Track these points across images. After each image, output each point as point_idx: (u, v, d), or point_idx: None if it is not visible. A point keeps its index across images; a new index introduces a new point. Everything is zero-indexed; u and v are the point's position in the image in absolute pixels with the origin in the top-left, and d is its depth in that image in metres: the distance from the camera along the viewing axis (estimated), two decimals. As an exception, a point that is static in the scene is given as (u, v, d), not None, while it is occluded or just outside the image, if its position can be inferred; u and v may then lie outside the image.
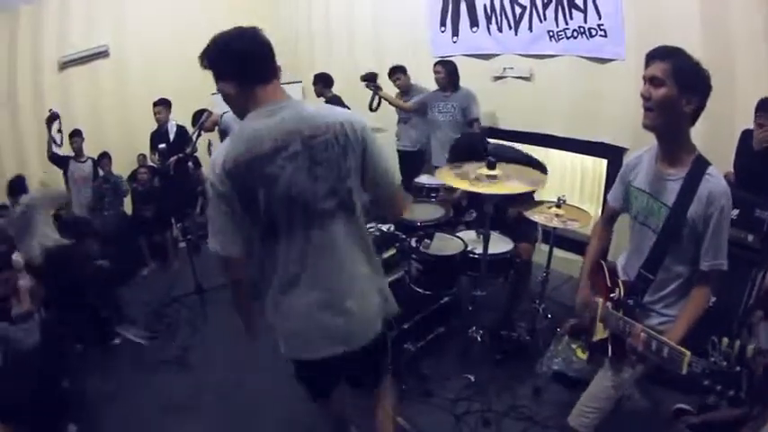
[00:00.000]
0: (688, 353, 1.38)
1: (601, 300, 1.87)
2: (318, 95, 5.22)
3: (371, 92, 4.66)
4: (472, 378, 2.88)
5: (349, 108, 3.74)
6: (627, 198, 1.86)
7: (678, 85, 1.49)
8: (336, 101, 4.98)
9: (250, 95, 1.51)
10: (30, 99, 5.46)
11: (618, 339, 1.73)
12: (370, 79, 4.63)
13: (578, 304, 1.98)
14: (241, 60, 1.49)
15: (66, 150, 5.04)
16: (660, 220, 1.67)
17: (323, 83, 5.24)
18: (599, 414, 1.85)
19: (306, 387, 1.94)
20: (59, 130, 4.92)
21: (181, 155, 4.60)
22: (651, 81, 1.52)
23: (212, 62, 1.52)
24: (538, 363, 2.97)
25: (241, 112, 1.55)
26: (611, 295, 1.84)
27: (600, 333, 1.85)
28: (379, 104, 4.72)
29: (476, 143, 3.29)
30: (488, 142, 3.40)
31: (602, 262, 2.01)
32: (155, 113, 4.93)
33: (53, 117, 4.86)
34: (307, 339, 1.69)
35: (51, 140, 4.85)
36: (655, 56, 1.54)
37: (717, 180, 1.57)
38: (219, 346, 3.55)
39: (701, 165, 1.59)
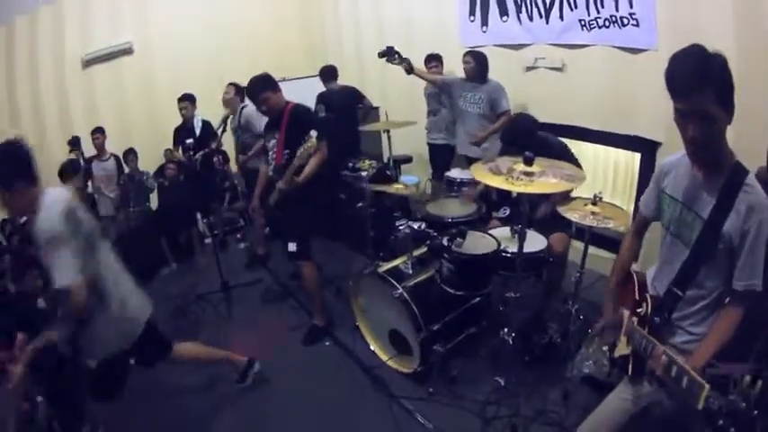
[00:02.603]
0: (707, 386, 1.24)
1: (627, 313, 1.77)
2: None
3: (397, 64, 4.43)
4: (501, 381, 2.81)
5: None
6: (659, 205, 1.72)
7: (724, 108, 1.32)
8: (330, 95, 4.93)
9: None
10: (53, 98, 5.47)
11: (639, 358, 1.64)
12: (388, 53, 4.38)
13: (603, 321, 1.88)
14: None
15: (87, 148, 5.05)
16: (694, 234, 1.53)
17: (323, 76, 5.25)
18: (612, 428, 1.80)
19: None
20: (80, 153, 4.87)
21: (206, 150, 4.58)
22: (701, 119, 1.31)
23: None
24: (568, 366, 2.87)
25: None
26: (638, 310, 1.74)
27: (623, 348, 1.76)
28: (411, 70, 4.50)
29: (530, 127, 3.17)
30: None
31: (633, 272, 1.89)
32: (180, 109, 4.92)
33: (74, 143, 4.82)
34: None
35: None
36: (689, 81, 1.31)
37: (756, 192, 1.42)
38: (245, 346, 3.53)
39: (739, 174, 1.44)
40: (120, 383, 2.50)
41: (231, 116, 4.65)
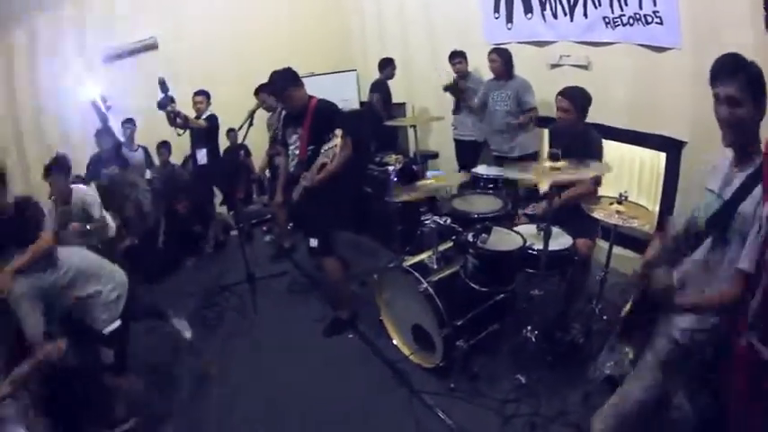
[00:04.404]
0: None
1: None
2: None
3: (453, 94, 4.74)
4: (523, 380, 2.80)
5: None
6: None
7: (752, 98, 1.51)
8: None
9: None
10: (77, 94, 5.53)
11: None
12: (451, 88, 4.70)
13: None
14: None
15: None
16: (711, 211, 1.67)
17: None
18: (626, 415, 1.87)
19: None
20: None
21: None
22: (728, 102, 1.54)
23: None
24: (591, 366, 2.83)
25: None
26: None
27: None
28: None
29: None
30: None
31: None
32: (196, 103, 4.98)
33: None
34: None
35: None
36: (724, 72, 1.55)
37: None
38: (269, 337, 3.60)
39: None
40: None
41: (271, 113, 4.73)
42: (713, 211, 1.64)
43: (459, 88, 4.72)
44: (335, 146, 3.04)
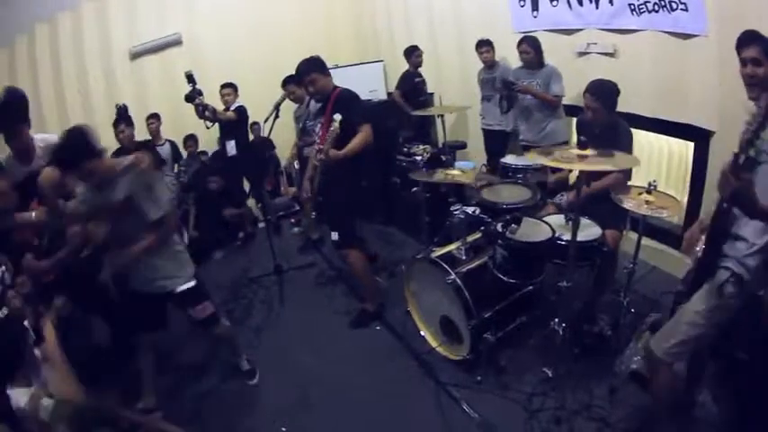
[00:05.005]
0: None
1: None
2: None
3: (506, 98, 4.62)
4: (549, 373, 2.79)
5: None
6: None
7: None
8: None
9: None
10: (102, 92, 5.69)
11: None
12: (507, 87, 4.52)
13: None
14: None
15: (142, 134, 5.16)
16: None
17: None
18: (679, 342, 1.97)
19: None
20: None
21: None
22: (753, 62, 1.88)
23: None
24: (617, 360, 2.83)
25: None
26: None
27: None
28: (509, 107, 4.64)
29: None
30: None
31: None
32: (223, 95, 5.06)
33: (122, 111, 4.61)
34: None
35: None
36: (747, 40, 1.90)
37: None
38: (296, 329, 3.64)
39: None
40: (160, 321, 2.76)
41: (298, 105, 4.75)
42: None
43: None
44: (333, 129, 3.05)
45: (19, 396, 2.01)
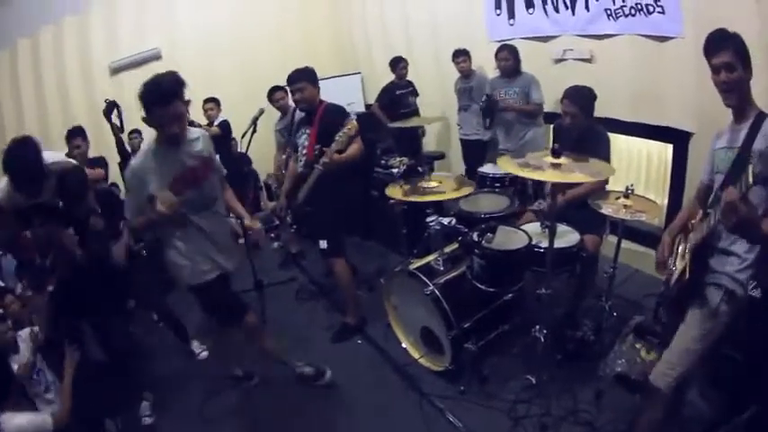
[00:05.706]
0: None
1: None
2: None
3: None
4: (533, 380, 2.77)
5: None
6: (714, 166, 1.97)
7: (742, 63, 1.74)
8: None
9: None
10: (83, 107, 5.63)
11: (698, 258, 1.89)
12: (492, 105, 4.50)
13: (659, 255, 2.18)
14: None
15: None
16: (730, 162, 1.83)
17: None
18: (683, 371, 1.94)
19: None
20: (119, 117, 4.45)
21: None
22: (726, 68, 1.75)
23: None
24: (601, 364, 2.80)
25: None
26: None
27: (679, 264, 1.99)
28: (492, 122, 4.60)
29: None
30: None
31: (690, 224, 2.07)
32: (206, 110, 5.05)
33: (111, 105, 4.42)
34: None
35: (116, 129, 4.41)
36: (717, 44, 1.78)
37: None
38: (278, 344, 3.56)
39: (762, 115, 1.79)
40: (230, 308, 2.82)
41: (280, 117, 4.71)
42: (731, 160, 1.82)
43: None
44: (350, 128, 3.07)
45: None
